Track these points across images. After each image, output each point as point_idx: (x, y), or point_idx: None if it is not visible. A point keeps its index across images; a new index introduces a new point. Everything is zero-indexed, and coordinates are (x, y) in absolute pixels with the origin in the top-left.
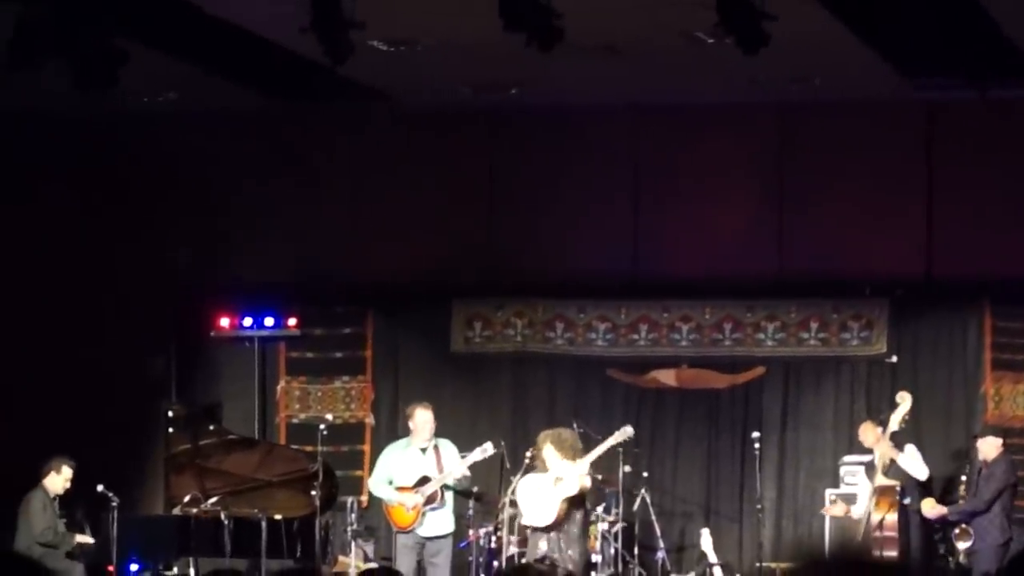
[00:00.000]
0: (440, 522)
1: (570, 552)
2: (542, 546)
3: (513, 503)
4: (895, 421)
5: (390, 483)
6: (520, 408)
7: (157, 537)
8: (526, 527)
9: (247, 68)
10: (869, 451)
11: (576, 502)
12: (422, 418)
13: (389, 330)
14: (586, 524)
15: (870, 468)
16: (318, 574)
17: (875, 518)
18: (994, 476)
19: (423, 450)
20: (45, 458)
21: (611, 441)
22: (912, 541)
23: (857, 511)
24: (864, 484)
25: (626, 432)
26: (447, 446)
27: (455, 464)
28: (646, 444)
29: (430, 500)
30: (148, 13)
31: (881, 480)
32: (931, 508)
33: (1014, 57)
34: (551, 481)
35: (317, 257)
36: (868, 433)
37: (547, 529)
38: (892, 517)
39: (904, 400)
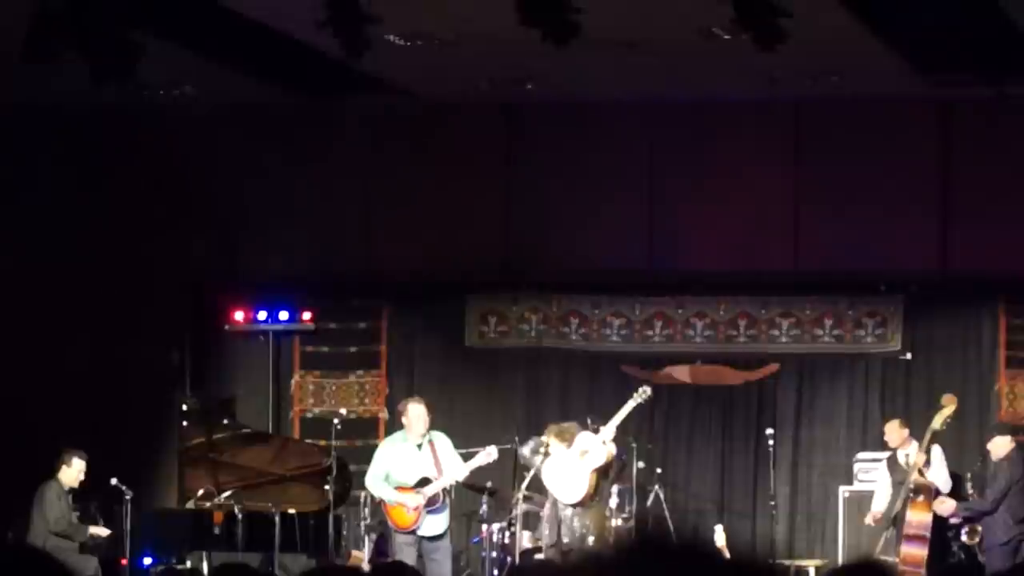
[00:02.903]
0: (438, 523)
1: (593, 533)
2: (572, 525)
3: (528, 498)
4: (938, 422)
5: (387, 478)
6: (534, 403)
7: (171, 531)
8: (562, 506)
9: (264, 62)
10: (884, 447)
11: (603, 472)
12: (415, 412)
13: (404, 325)
14: (607, 494)
15: (892, 463)
16: (344, 570)
17: (912, 517)
18: (998, 476)
19: (419, 446)
20: (59, 451)
21: (631, 404)
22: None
23: (878, 505)
24: (884, 479)
25: (645, 392)
26: (441, 440)
27: (454, 462)
28: (660, 440)
29: (431, 502)
30: (165, 7)
31: (919, 479)
32: (941, 504)
33: None
34: (576, 455)
35: (332, 251)
36: (894, 433)
37: (579, 504)
38: (928, 516)
39: (950, 403)
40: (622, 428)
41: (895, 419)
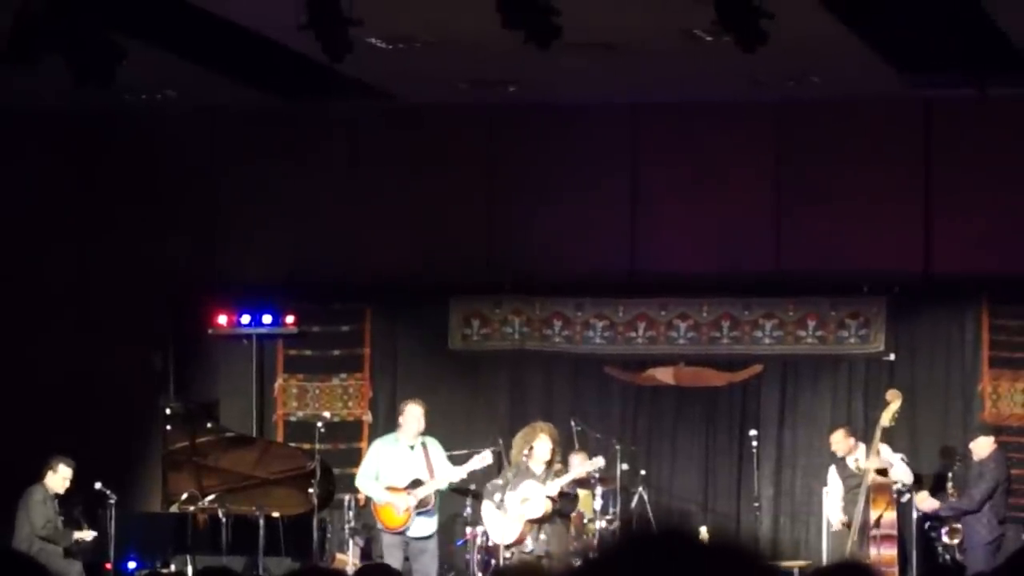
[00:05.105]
0: (427, 524)
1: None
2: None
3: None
4: (886, 418)
5: (376, 478)
6: (518, 406)
7: (155, 534)
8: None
9: (245, 65)
10: (832, 457)
11: (537, 522)
12: (412, 413)
13: (387, 328)
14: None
15: (842, 467)
16: (327, 572)
17: (872, 515)
18: (984, 476)
19: (411, 447)
20: (43, 455)
21: (579, 471)
22: (910, 538)
23: (834, 512)
24: (835, 484)
25: (597, 463)
26: (434, 444)
27: (446, 467)
28: (644, 442)
29: (423, 504)
30: (146, 10)
31: (876, 478)
32: (924, 501)
33: (1012, 54)
34: (518, 501)
35: (315, 255)
36: (841, 443)
37: (508, 546)
38: (890, 515)
39: (895, 398)
40: (605, 428)
41: (841, 428)
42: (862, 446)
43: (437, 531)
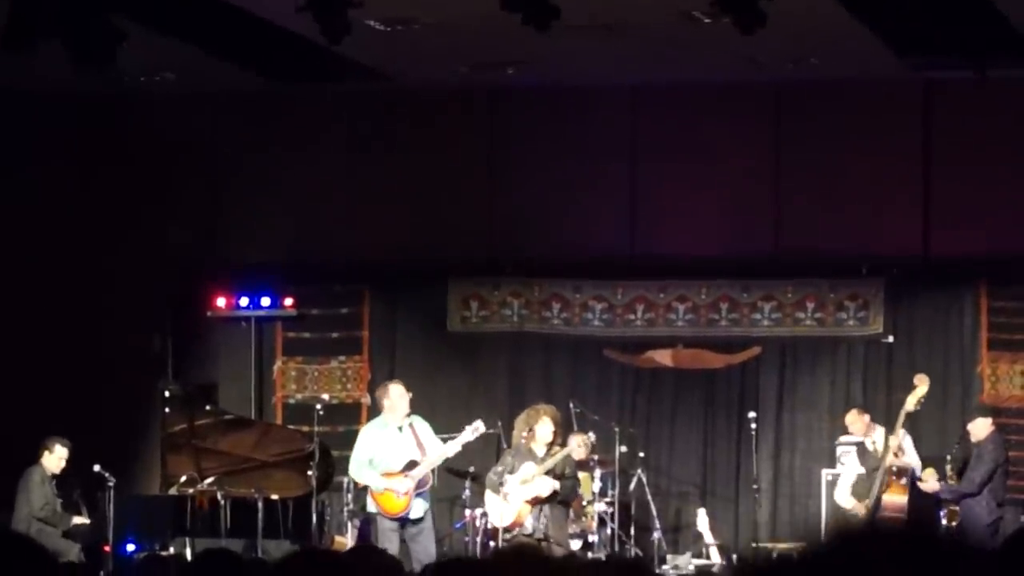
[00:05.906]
0: (423, 505)
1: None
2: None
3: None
4: (911, 402)
5: (370, 464)
6: (517, 388)
7: (153, 517)
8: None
9: (244, 48)
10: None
11: (536, 503)
12: (397, 393)
13: (386, 310)
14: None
15: (862, 451)
16: (325, 553)
17: (889, 499)
18: (983, 458)
19: (400, 428)
20: (43, 438)
21: (563, 454)
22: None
23: (843, 496)
24: (853, 468)
25: (589, 439)
26: (420, 423)
27: (436, 443)
28: (642, 424)
29: (421, 484)
30: None
31: (896, 461)
32: (926, 483)
33: (1011, 36)
34: (517, 482)
35: (314, 237)
36: (857, 423)
37: (507, 529)
38: (899, 499)
39: (922, 383)
40: (603, 411)
41: (854, 408)
42: (878, 428)
43: (429, 509)
